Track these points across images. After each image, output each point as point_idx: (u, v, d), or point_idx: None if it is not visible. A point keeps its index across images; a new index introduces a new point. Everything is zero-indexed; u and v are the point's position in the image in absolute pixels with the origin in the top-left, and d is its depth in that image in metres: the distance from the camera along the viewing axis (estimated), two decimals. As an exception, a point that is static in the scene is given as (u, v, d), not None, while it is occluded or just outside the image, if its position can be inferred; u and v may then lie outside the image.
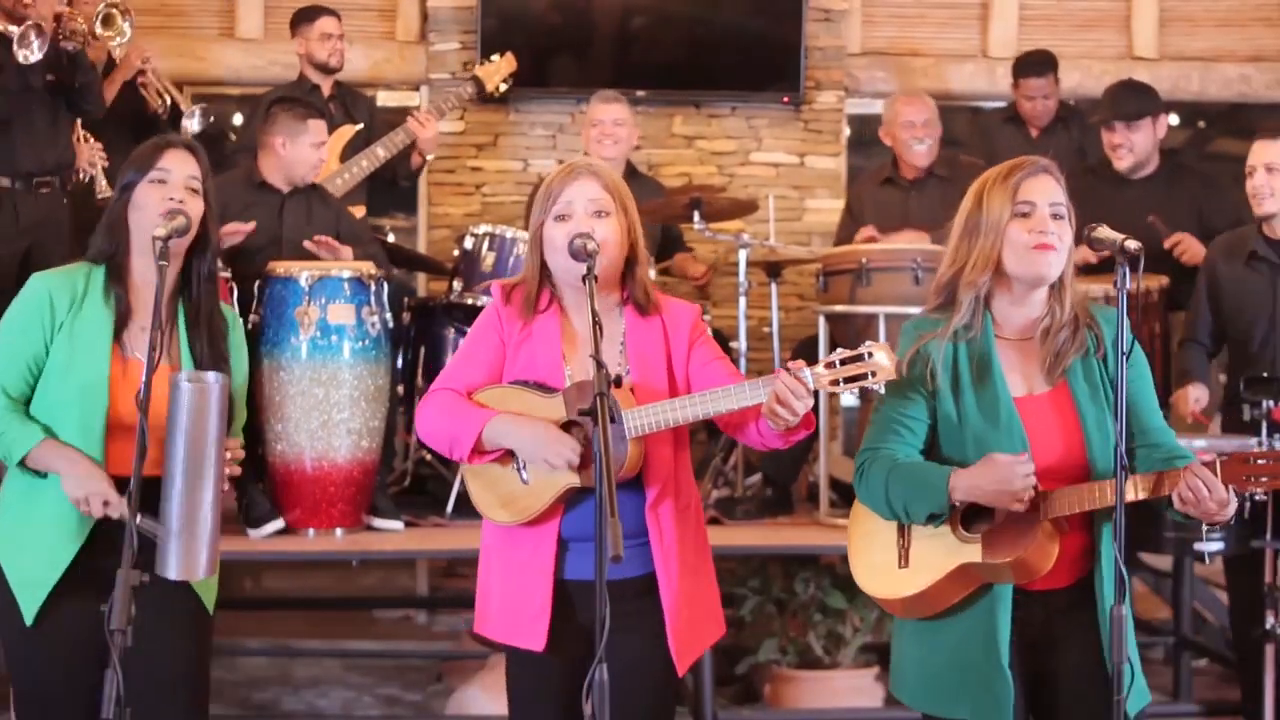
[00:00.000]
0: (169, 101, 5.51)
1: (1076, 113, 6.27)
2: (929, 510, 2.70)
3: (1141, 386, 2.80)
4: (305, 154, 4.97)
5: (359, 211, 5.65)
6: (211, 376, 2.75)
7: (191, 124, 5.45)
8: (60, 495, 2.82)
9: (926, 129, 5.61)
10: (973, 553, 2.70)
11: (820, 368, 2.71)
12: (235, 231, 4.76)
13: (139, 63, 5.45)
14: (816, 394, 2.71)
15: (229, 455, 2.80)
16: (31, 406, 2.88)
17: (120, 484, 2.78)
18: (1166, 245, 5.02)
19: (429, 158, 5.89)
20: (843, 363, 2.71)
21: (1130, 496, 2.62)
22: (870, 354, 2.70)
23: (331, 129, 5.62)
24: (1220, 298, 4.62)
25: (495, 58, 6.03)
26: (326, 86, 5.83)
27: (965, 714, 2.74)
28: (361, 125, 5.77)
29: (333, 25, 5.82)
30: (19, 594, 2.84)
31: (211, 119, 5.55)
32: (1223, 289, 4.61)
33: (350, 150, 5.65)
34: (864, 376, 2.70)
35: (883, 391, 2.78)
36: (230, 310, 3.06)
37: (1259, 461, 2.55)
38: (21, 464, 2.84)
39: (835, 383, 2.70)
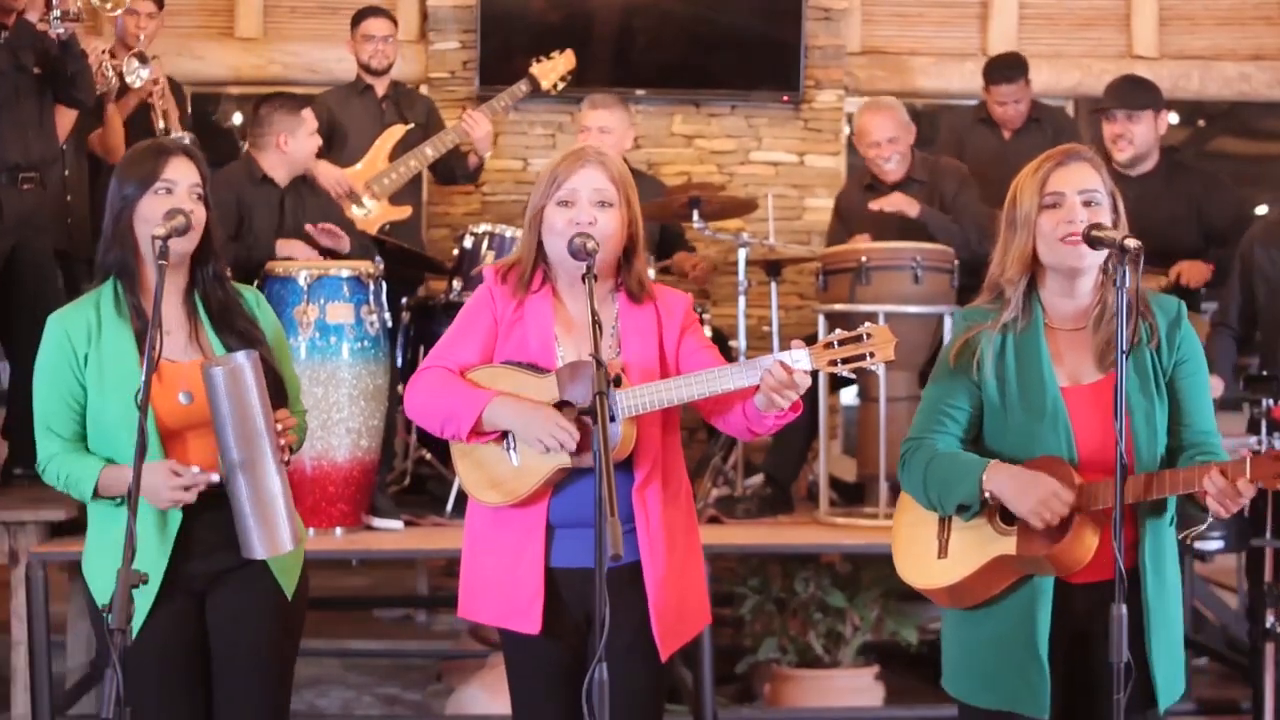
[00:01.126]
0: (163, 128, 5.49)
1: (1049, 111, 6.21)
2: (959, 500, 2.70)
3: (1193, 384, 2.76)
4: (305, 144, 5.06)
5: (405, 212, 5.70)
6: (241, 356, 2.79)
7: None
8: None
9: (892, 145, 5.39)
10: (1008, 545, 2.70)
11: (819, 347, 2.72)
12: (332, 232, 4.88)
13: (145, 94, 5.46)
14: (816, 388, 2.71)
15: (280, 426, 2.83)
16: (89, 440, 2.91)
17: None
18: (1165, 286, 5.00)
19: (485, 156, 5.89)
20: (841, 343, 2.72)
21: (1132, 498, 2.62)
22: (868, 334, 2.72)
23: (383, 128, 5.69)
24: (1254, 281, 4.59)
25: (555, 54, 5.93)
26: (380, 87, 5.86)
27: (1002, 703, 2.74)
28: (412, 125, 5.79)
29: (375, 27, 5.82)
30: None
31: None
32: (1257, 273, 4.59)
33: (401, 149, 5.68)
34: (862, 357, 2.71)
35: (881, 370, 2.77)
36: (251, 290, 3.09)
37: None
38: (95, 496, 2.88)
39: (834, 363, 2.72)
